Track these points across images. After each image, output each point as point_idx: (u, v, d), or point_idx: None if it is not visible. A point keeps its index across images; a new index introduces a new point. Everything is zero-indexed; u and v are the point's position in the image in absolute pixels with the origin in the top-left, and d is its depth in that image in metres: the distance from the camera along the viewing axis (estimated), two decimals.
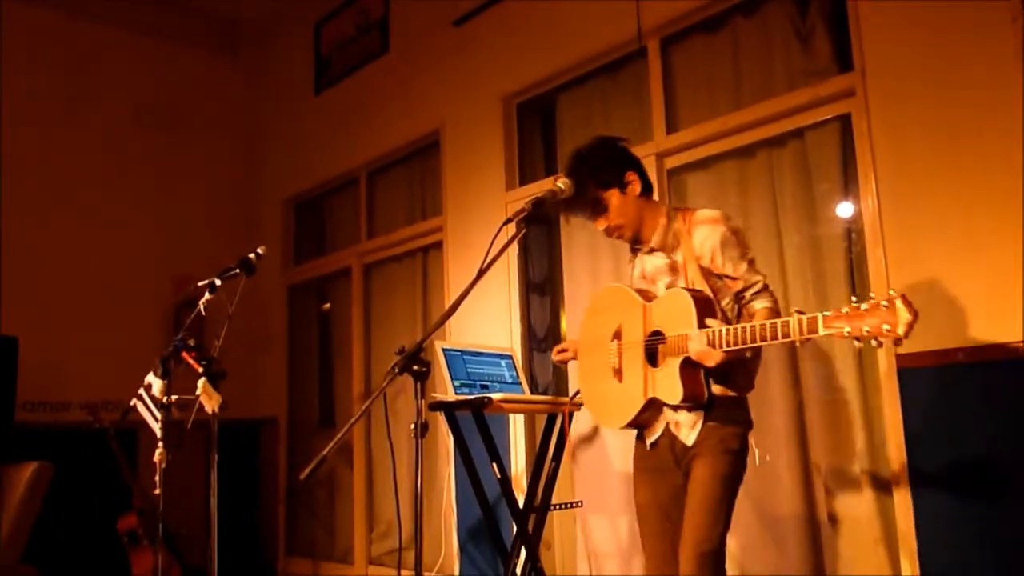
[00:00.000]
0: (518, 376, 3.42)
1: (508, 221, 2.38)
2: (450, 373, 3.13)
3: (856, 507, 3.36)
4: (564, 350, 2.82)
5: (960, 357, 2.94)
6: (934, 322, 3.03)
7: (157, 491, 3.34)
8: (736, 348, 2.12)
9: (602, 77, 4.47)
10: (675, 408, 2.34)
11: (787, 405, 3.57)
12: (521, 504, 3.11)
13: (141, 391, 3.37)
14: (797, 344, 2.01)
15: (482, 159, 4.94)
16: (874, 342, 1.86)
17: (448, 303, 4.02)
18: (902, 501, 3.09)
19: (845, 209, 3.50)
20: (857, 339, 1.89)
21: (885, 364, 3.17)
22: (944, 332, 2.99)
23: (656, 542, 2.45)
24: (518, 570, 3.01)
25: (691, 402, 2.29)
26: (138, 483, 4.52)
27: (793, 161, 3.66)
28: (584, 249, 4.39)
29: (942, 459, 3.00)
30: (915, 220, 3.12)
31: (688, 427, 2.35)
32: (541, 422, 3.26)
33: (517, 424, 4.56)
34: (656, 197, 2.56)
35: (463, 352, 3.26)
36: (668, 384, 2.26)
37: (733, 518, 3.67)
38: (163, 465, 3.27)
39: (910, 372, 3.09)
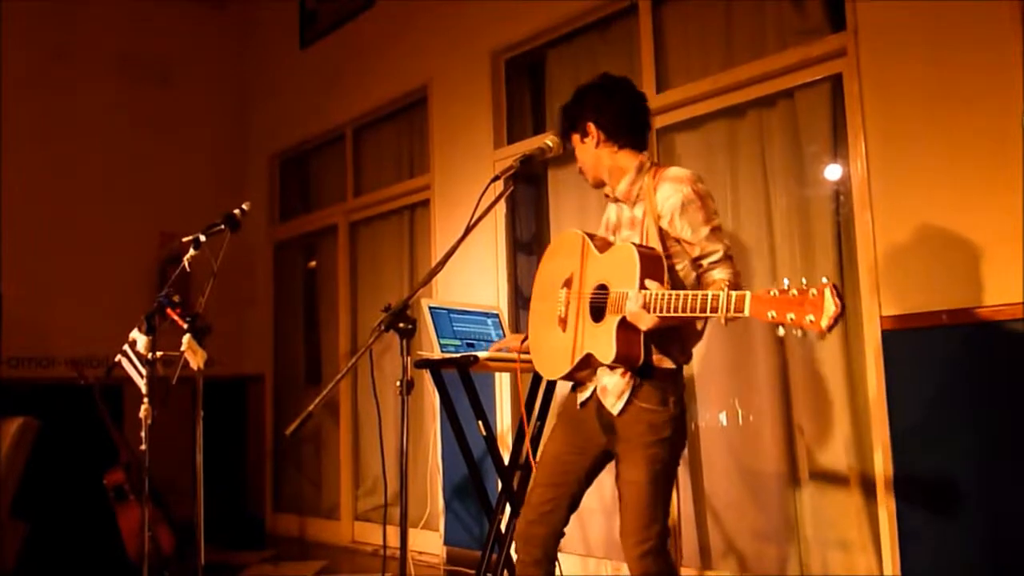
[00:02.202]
0: (504, 335, 3.42)
1: (496, 178, 2.35)
2: (436, 331, 3.12)
3: (837, 467, 3.40)
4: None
5: (944, 319, 2.96)
6: (920, 285, 3.05)
7: (143, 447, 3.34)
8: (668, 315, 2.01)
9: (592, 34, 4.42)
10: (610, 368, 2.25)
11: (771, 366, 3.60)
12: (506, 461, 3.13)
13: (126, 347, 3.36)
14: (721, 321, 1.89)
15: (470, 116, 4.90)
16: (797, 331, 1.75)
17: (435, 261, 4.00)
18: (883, 462, 3.13)
19: (834, 171, 3.50)
20: (780, 325, 1.78)
21: (870, 326, 3.19)
22: (930, 295, 3.01)
23: (542, 493, 2.40)
24: (503, 526, 3.03)
25: (624, 364, 2.19)
26: (124, 438, 4.52)
27: (783, 122, 3.65)
28: (572, 208, 4.38)
29: (924, 420, 3.03)
30: (904, 183, 3.12)
31: (614, 396, 2.26)
32: (526, 381, 3.27)
33: (503, 382, 4.58)
34: (647, 149, 2.48)
35: (449, 310, 3.26)
36: (604, 342, 2.16)
37: (714, 478, 3.73)
38: (149, 421, 3.27)
39: (894, 334, 3.11)
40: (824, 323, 1.72)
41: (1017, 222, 2.78)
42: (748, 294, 1.85)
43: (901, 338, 3.09)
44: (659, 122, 4.01)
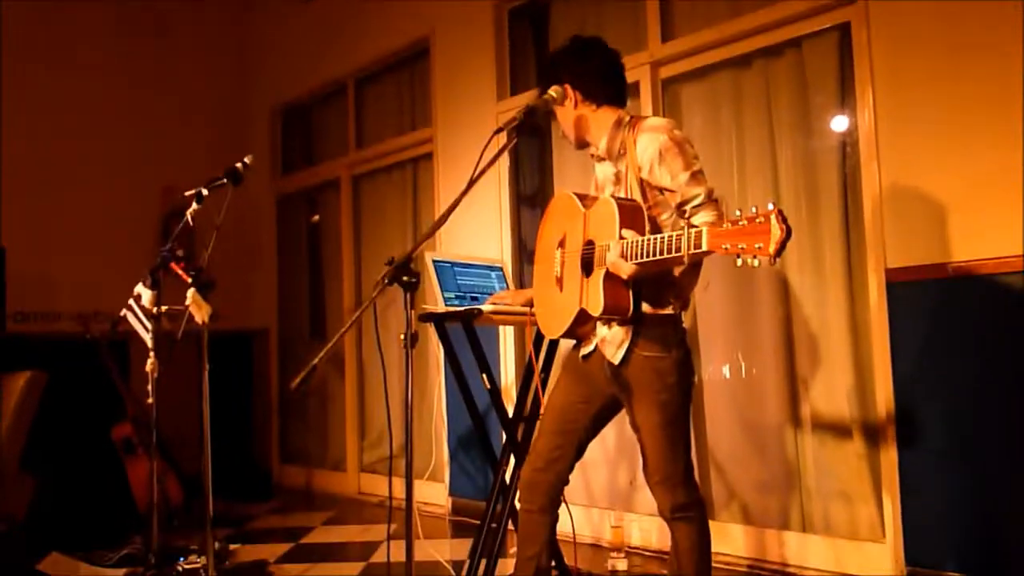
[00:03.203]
0: (508, 287, 3.42)
1: (499, 131, 2.33)
2: (440, 284, 3.12)
3: (840, 419, 3.42)
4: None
5: (949, 271, 2.95)
6: (926, 236, 3.03)
7: (150, 400, 3.37)
8: (644, 261, 2.02)
9: None
10: (604, 321, 2.29)
11: (775, 319, 3.60)
12: (510, 414, 3.15)
13: (131, 301, 3.37)
14: (684, 260, 1.90)
15: (473, 68, 4.84)
16: (752, 260, 1.73)
17: (438, 214, 3.97)
18: (886, 414, 3.14)
19: (841, 122, 3.46)
20: (738, 256, 1.76)
21: (875, 278, 3.18)
22: (936, 248, 2.99)
23: (548, 441, 2.44)
24: (507, 477, 3.06)
25: (614, 315, 2.21)
26: (131, 392, 4.56)
27: (790, 72, 3.60)
28: (577, 161, 4.35)
29: (928, 372, 3.04)
30: (911, 134, 3.09)
31: (614, 346, 2.29)
32: (531, 333, 3.28)
33: (507, 336, 4.59)
34: (626, 105, 2.46)
35: (453, 264, 3.25)
36: (593, 295, 2.19)
37: (717, 431, 3.75)
38: (155, 375, 3.30)
39: (899, 286, 3.10)
40: (771, 248, 1.70)
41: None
42: (705, 229, 1.84)
43: (906, 290, 3.08)
44: (664, 72, 3.97)
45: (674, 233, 1.93)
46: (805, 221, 3.51)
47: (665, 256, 1.96)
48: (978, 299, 2.92)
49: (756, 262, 1.73)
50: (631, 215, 2.15)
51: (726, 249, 1.78)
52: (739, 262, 1.77)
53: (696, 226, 1.88)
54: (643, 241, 2.03)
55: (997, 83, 2.86)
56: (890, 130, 3.14)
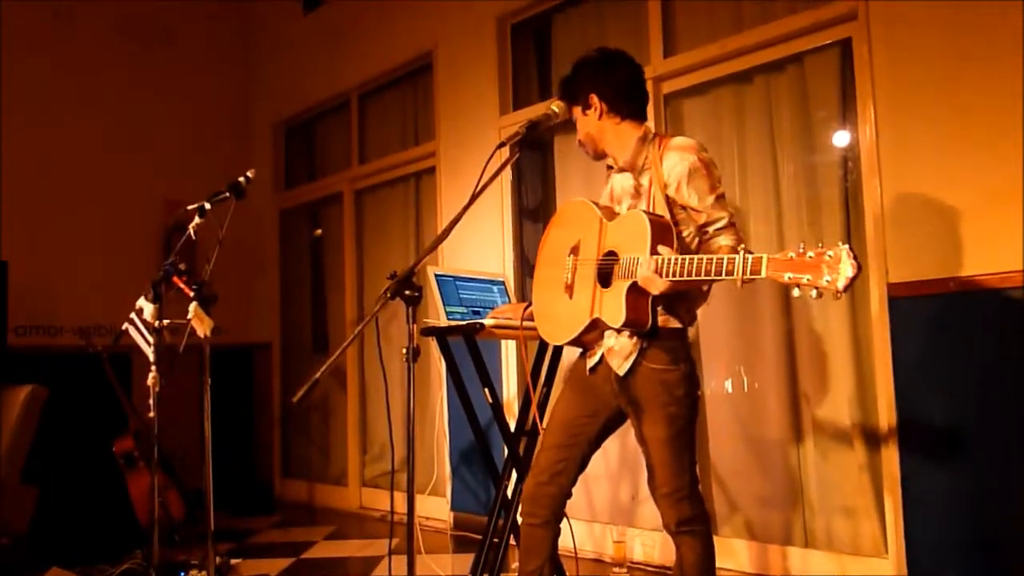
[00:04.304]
0: (510, 302, 3.42)
1: (502, 145, 2.34)
2: (442, 299, 3.12)
3: (842, 435, 3.41)
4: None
5: (951, 287, 2.95)
6: (928, 252, 3.04)
7: (151, 414, 3.37)
8: (680, 279, 2.05)
9: None
10: (618, 331, 2.30)
11: (777, 333, 3.60)
12: (512, 428, 3.15)
13: (133, 315, 3.37)
14: (737, 284, 1.93)
15: (476, 82, 4.86)
16: (813, 292, 1.80)
17: (441, 229, 3.98)
18: (888, 430, 3.14)
19: (842, 137, 3.47)
20: (796, 287, 1.83)
21: (876, 293, 3.18)
22: (938, 262, 2.99)
23: (551, 455, 2.44)
24: (509, 492, 3.05)
25: (632, 327, 2.24)
26: (133, 406, 4.56)
27: (791, 87, 3.61)
28: (579, 175, 4.36)
29: (930, 388, 3.03)
30: (912, 149, 3.09)
31: (621, 357, 2.31)
32: (532, 348, 3.28)
33: (509, 350, 4.59)
34: (647, 120, 2.49)
35: (455, 278, 3.25)
36: (613, 306, 2.21)
37: (719, 444, 3.75)
38: (157, 389, 3.29)
39: (901, 301, 3.10)
40: (841, 283, 1.76)
41: None
42: (765, 256, 1.88)
43: (908, 305, 3.08)
44: (666, 87, 3.98)
45: (725, 256, 1.96)
46: (807, 236, 3.51)
47: (710, 278, 2.00)
48: (980, 314, 2.91)
49: (815, 294, 1.80)
50: (662, 232, 2.18)
51: (788, 279, 1.84)
52: (796, 292, 1.84)
53: (752, 252, 1.92)
54: (686, 260, 2.04)
55: (998, 98, 2.87)
56: (891, 145, 3.15)
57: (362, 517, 5.51)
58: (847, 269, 1.76)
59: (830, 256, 1.78)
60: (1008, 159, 2.83)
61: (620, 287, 2.19)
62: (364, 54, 5.72)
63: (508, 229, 4.64)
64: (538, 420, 2.75)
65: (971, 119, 2.95)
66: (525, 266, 4.66)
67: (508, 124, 4.60)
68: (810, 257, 1.81)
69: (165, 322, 3.29)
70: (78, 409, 4.78)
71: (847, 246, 1.77)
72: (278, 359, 6.52)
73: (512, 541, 2.87)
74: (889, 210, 3.14)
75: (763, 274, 1.88)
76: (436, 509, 4.92)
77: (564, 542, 2.53)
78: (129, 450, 4.46)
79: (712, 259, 1.98)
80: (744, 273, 1.91)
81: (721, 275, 1.96)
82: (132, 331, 3.39)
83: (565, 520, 2.49)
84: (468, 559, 3.59)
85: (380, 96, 5.85)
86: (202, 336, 3.02)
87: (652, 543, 3.85)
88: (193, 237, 3.18)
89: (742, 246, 2.07)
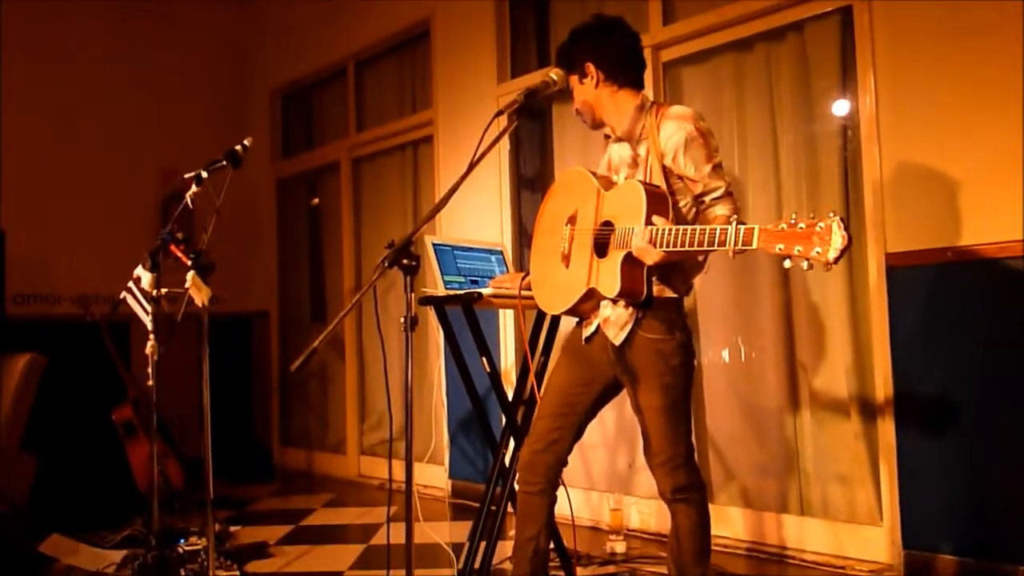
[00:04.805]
0: (508, 271, 3.42)
1: (500, 113, 2.32)
2: (440, 268, 3.12)
3: (839, 404, 3.42)
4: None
5: (950, 256, 2.95)
6: (927, 221, 3.03)
7: (150, 382, 3.37)
8: (673, 250, 2.05)
9: None
10: (613, 301, 2.31)
11: (775, 303, 3.60)
12: (510, 397, 3.16)
13: (131, 284, 3.36)
14: (730, 254, 1.93)
15: (474, 50, 4.82)
16: (804, 263, 1.79)
17: (439, 198, 3.97)
18: (884, 399, 3.15)
19: (842, 106, 3.45)
20: (788, 258, 1.82)
21: (875, 263, 3.18)
22: (937, 232, 2.99)
23: (547, 423, 2.45)
24: (507, 460, 3.07)
25: (628, 298, 2.24)
26: (131, 375, 4.57)
27: (792, 56, 3.58)
28: (576, 144, 4.34)
29: (927, 358, 3.04)
30: (912, 118, 3.08)
31: (617, 327, 2.31)
32: (531, 317, 3.28)
33: (506, 319, 4.60)
34: (645, 88, 2.47)
35: (453, 247, 3.25)
36: (608, 276, 2.21)
37: (716, 413, 3.76)
38: (155, 357, 3.30)
39: (899, 271, 3.10)
40: (831, 255, 1.76)
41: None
42: (756, 227, 1.87)
43: (906, 275, 3.08)
44: (665, 56, 3.95)
45: (718, 227, 1.95)
46: (805, 205, 3.50)
47: (703, 248, 1.99)
48: (978, 284, 2.92)
49: (806, 265, 1.79)
50: (657, 202, 2.17)
51: (779, 250, 1.83)
52: (787, 264, 1.83)
53: (744, 223, 1.91)
54: (679, 230, 2.03)
55: (998, 67, 2.85)
56: (891, 114, 3.13)
57: (360, 485, 5.54)
58: (837, 240, 1.75)
59: (821, 227, 1.78)
60: (1008, 129, 2.82)
61: (615, 257, 2.19)
62: (361, 21, 5.66)
63: (506, 198, 4.63)
64: (536, 389, 2.75)
65: (971, 89, 2.93)
66: (523, 235, 4.65)
67: (506, 92, 4.57)
68: (801, 228, 1.80)
69: (163, 291, 3.28)
70: (77, 378, 4.79)
71: (838, 217, 1.76)
72: (276, 328, 6.53)
73: (510, 509, 2.90)
74: (888, 180, 3.13)
75: (754, 245, 1.87)
76: (434, 477, 4.95)
77: (561, 510, 2.56)
78: (128, 418, 4.47)
79: (705, 230, 1.98)
80: (736, 244, 1.90)
81: (713, 246, 1.95)
82: (130, 300, 3.39)
83: (562, 488, 2.51)
84: (466, 526, 3.62)
85: (378, 64, 5.80)
86: (200, 305, 3.02)
87: (648, 511, 3.89)
88: (190, 206, 3.17)
89: (735, 217, 2.07)
